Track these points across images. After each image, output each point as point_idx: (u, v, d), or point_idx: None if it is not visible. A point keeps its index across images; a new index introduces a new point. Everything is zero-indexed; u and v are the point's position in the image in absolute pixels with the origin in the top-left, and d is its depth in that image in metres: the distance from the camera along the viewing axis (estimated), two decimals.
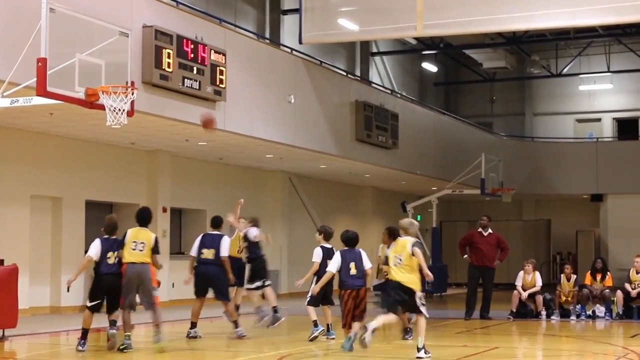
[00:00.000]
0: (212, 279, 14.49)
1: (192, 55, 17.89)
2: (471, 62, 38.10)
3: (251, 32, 23.95)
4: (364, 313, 12.53)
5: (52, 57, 12.06)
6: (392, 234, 14.01)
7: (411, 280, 12.14)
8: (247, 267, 15.71)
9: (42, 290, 20.08)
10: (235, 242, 15.87)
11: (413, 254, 12.10)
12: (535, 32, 32.68)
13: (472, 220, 20.42)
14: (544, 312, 19.40)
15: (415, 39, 32.41)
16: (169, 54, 17.14)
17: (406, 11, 20.78)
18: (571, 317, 19.35)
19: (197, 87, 18.01)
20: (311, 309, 14.22)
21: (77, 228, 20.66)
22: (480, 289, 19.68)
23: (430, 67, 38.93)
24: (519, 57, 38.65)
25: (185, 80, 17.69)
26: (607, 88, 39.97)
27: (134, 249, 12.69)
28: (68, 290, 13.69)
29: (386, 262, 13.12)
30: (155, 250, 12.92)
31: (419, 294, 12.15)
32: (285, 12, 27.18)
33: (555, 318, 19.32)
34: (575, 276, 20.12)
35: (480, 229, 19.71)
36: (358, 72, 31.97)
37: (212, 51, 18.53)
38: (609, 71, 38.45)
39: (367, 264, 12.69)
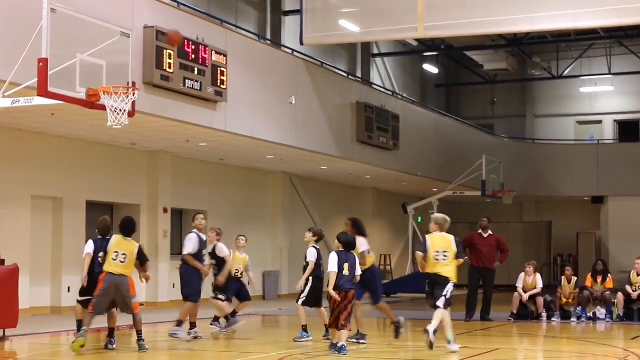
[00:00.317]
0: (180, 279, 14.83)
1: (193, 56, 17.89)
2: (472, 64, 38.11)
3: (252, 33, 23.96)
4: (350, 318, 12.44)
5: (53, 58, 12.05)
6: (356, 225, 13.95)
7: (451, 273, 13.19)
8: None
9: (43, 290, 20.07)
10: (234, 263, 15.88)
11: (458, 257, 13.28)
12: (536, 34, 32.68)
13: (473, 222, 20.45)
14: (544, 314, 19.38)
15: (416, 40, 32.43)
16: (170, 54, 17.15)
17: (407, 13, 20.79)
18: (572, 319, 19.34)
19: (198, 88, 18.01)
20: (303, 309, 14.22)
21: (77, 228, 20.65)
22: (481, 291, 19.67)
23: (431, 68, 38.93)
24: (520, 59, 38.67)
25: (186, 81, 17.70)
26: (608, 90, 39.98)
27: (114, 259, 12.52)
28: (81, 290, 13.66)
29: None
30: (141, 259, 12.84)
31: (451, 286, 13.13)
32: (287, 13, 27.18)
33: (555, 320, 19.31)
34: (576, 278, 20.10)
35: (480, 231, 19.70)
36: (359, 74, 31.97)
37: (213, 52, 18.54)
38: (610, 73, 38.47)
39: (359, 271, 12.63)
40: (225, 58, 18.93)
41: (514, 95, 41.78)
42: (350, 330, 12.56)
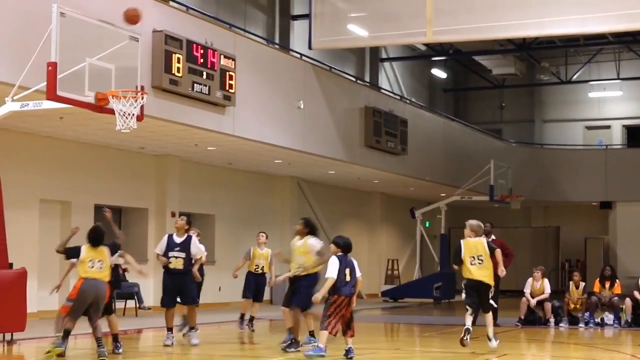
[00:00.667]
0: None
1: (201, 60, 17.92)
2: (480, 69, 38.10)
3: (261, 37, 23.98)
4: (336, 322, 12.32)
5: (62, 62, 12.08)
6: (309, 225, 13.63)
7: (489, 277, 13.62)
8: (196, 284, 14.85)
9: (51, 295, 20.05)
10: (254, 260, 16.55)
11: (493, 254, 13.60)
12: (545, 39, 32.66)
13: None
14: (552, 320, 19.34)
15: (425, 45, 32.44)
16: (178, 58, 17.17)
17: (416, 17, 20.81)
18: (580, 325, 19.30)
19: (207, 92, 18.03)
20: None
21: (85, 232, 20.60)
22: None
23: (439, 73, 38.93)
24: (528, 63, 38.65)
25: (195, 85, 17.72)
26: (617, 95, 39.93)
27: (91, 267, 12.28)
28: (50, 293, 13.55)
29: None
30: (115, 252, 12.60)
31: (492, 288, 13.71)
32: (295, 17, 27.21)
33: (563, 325, 19.27)
34: (583, 283, 20.05)
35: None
36: (367, 78, 31.98)
37: (222, 56, 18.56)
38: (618, 78, 38.43)
39: (359, 273, 12.60)
40: (233, 62, 18.96)
41: (522, 100, 41.75)
42: (333, 334, 12.16)
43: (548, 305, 19.40)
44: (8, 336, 14.38)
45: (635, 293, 19.14)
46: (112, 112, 12.80)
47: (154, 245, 21.48)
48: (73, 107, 12.73)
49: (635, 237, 35.99)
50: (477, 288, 13.60)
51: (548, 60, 38.64)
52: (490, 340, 13.79)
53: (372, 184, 30.82)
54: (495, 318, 17.57)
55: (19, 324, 14.21)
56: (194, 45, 17.76)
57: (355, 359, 12.33)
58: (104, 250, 12.46)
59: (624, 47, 36.78)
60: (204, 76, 17.97)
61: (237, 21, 23.62)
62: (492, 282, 13.76)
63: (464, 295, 13.93)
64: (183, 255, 13.85)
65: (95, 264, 12.33)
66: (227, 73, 18.69)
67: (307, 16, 23.31)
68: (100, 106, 12.76)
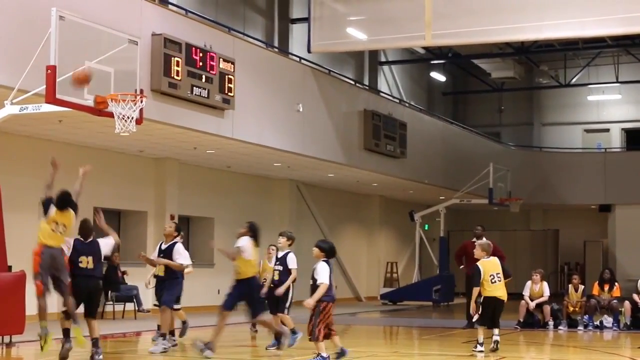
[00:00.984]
0: None
1: (200, 64, 17.94)
2: (479, 72, 38.12)
3: (260, 40, 24.00)
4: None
5: (62, 65, 12.10)
6: (253, 229, 13.26)
7: (505, 294, 14.46)
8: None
9: (50, 296, 20.04)
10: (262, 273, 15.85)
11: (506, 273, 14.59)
12: (543, 43, 32.66)
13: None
14: (551, 322, 19.35)
15: (424, 48, 32.47)
16: (177, 62, 17.20)
17: (414, 20, 20.82)
18: (579, 328, 19.30)
19: (206, 96, 18.05)
20: (288, 317, 14.11)
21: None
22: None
23: (438, 76, 38.95)
24: (527, 67, 38.68)
25: (194, 88, 17.74)
26: (616, 98, 39.97)
27: (54, 230, 11.94)
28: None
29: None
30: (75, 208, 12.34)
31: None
32: (294, 20, 27.24)
33: (562, 328, 19.28)
34: (583, 286, 20.07)
35: (474, 239, 19.61)
36: (366, 81, 32.00)
37: (221, 59, 18.58)
38: (617, 81, 38.44)
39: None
40: (232, 65, 18.98)
41: (521, 103, 41.77)
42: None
43: (547, 308, 19.41)
44: (7, 339, 14.38)
45: (634, 296, 19.15)
46: (111, 115, 12.81)
47: (152, 248, 21.52)
48: (72, 110, 12.75)
49: (634, 240, 36.01)
50: (494, 305, 14.23)
51: (547, 64, 38.68)
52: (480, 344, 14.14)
53: (371, 187, 30.83)
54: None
55: (18, 327, 14.22)
56: (193, 48, 17.79)
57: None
58: (70, 214, 12.21)
59: (622, 51, 36.80)
60: (203, 79, 17.99)
61: (236, 25, 23.64)
62: (505, 298, 14.49)
63: (476, 315, 14.36)
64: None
65: (59, 228, 12.03)
66: (226, 76, 18.71)
67: (306, 20, 23.34)
68: (100, 109, 12.78)
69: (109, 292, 20.80)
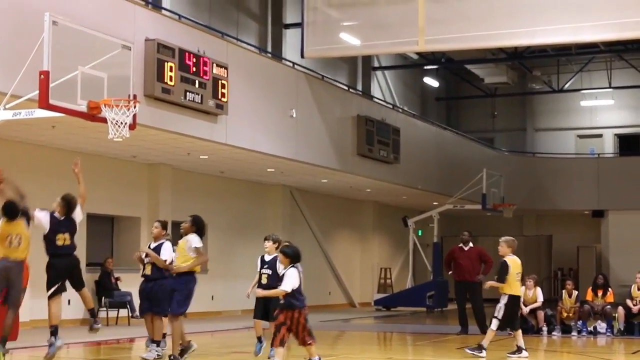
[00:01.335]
0: None
1: (194, 69, 17.92)
2: (473, 77, 38.18)
3: (253, 45, 23.99)
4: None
5: (55, 70, 12.07)
6: (196, 223, 12.66)
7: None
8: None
9: (43, 303, 19.94)
10: None
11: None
12: (536, 48, 32.74)
13: (474, 236, 20.53)
14: (545, 328, 19.35)
15: (417, 53, 32.49)
16: (171, 67, 17.17)
17: (408, 26, 20.84)
18: (572, 333, 19.31)
19: (199, 101, 18.03)
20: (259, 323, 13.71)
21: (78, 241, 20.50)
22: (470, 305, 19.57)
23: (431, 82, 38.99)
24: (520, 72, 38.74)
25: (187, 93, 17.72)
26: (609, 104, 40.05)
27: (10, 245, 11.83)
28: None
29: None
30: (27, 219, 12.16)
31: None
32: (287, 26, 27.24)
33: (556, 334, 19.28)
34: (576, 292, 20.08)
35: (461, 244, 19.64)
36: (360, 87, 32.02)
37: (214, 65, 18.57)
38: (610, 87, 38.52)
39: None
40: (226, 71, 18.96)
41: (514, 109, 41.84)
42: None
43: (541, 314, 19.41)
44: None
45: (628, 301, 19.17)
46: (104, 120, 12.78)
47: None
48: (65, 115, 12.71)
49: (628, 245, 36.04)
50: (516, 304, 14.45)
51: (540, 69, 38.73)
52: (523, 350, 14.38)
53: (364, 193, 30.83)
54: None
55: (12, 334, 14.14)
56: (187, 53, 17.77)
57: None
58: (21, 223, 12.11)
59: (615, 56, 36.89)
60: (197, 85, 17.97)
61: (229, 30, 23.64)
62: None
63: (500, 313, 14.15)
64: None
65: (14, 240, 11.94)
66: (220, 82, 18.69)
67: (299, 25, 23.34)
68: (93, 115, 12.74)
69: (103, 298, 20.75)
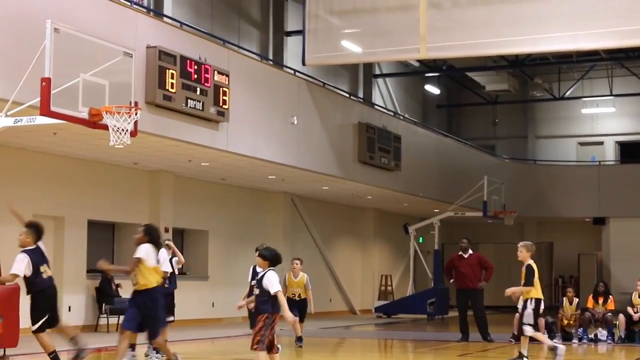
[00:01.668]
0: None
1: (195, 76, 17.94)
2: (474, 85, 38.19)
3: (255, 53, 24.02)
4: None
5: (56, 77, 12.07)
6: (149, 233, 11.88)
7: None
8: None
9: None
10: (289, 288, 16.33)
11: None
12: (538, 56, 32.74)
13: (475, 243, 20.53)
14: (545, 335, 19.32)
15: (418, 61, 32.51)
16: (172, 74, 17.19)
17: (409, 33, 20.86)
18: (573, 341, 19.29)
19: (201, 108, 18.05)
20: None
21: (79, 247, 20.67)
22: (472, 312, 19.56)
23: (433, 89, 39.01)
24: (521, 80, 38.74)
25: (189, 100, 17.74)
26: (610, 111, 40.05)
27: None
28: None
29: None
30: None
31: None
32: (289, 33, 27.28)
33: (557, 341, 19.24)
34: (577, 299, 20.07)
35: (460, 252, 19.63)
36: (361, 94, 32.05)
37: (216, 72, 18.59)
38: (611, 95, 38.52)
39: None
40: (227, 78, 18.98)
41: (515, 116, 41.85)
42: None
43: (541, 321, 19.36)
44: (1, 352, 14.32)
45: (629, 309, 19.16)
46: (105, 127, 12.78)
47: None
48: (67, 122, 12.72)
49: (629, 253, 36.02)
50: (539, 307, 14.34)
51: (541, 77, 38.73)
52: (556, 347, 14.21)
53: (365, 200, 30.84)
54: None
55: (12, 340, 14.15)
56: (188, 61, 17.79)
57: None
58: None
59: (616, 64, 36.89)
60: (198, 92, 17.99)
61: (231, 37, 23.67)
62: None
63: (531, 319, 14.14)
64: None
65: None
66: (221, 89, 18.71)
67: (300, 32, 23.36)
68: (94, 122, 12.75)
69: (103, 304, 20.76)
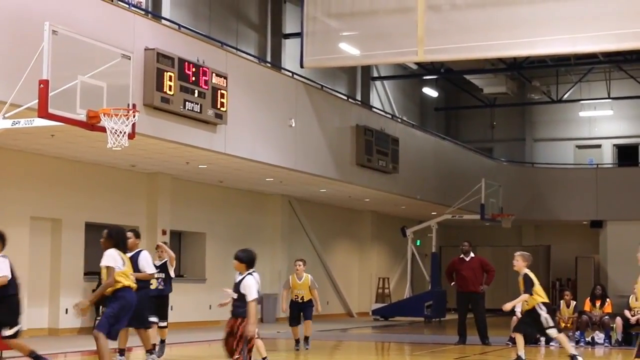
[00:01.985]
0: None
1: (193, 78, 17.93)
2: (472, 88, 38.19)
3: (253, 55, 24.02)
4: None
5: (54, 79, 12.07)
6: (112, 237, 11.39)
7: None
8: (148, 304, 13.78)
9: (41, 312, 20.03)
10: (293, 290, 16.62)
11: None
12: (535, 58, 32.77)
13: (472, 246, 20.55)
14: (543, 338, 19.32)
15: (416, 63, 32.50)
16: (170, 76, 17.19)
17: (407, 36, 20.86)
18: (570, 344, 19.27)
19: (198, 110, 18.04)
20: None
21: (76, 250, 20.65)
22: (472, 315, 19.55)
23: (430, 92, 39.02)
24: (519, 82, 38.76)
25: (187, 103, 17.73)
26: (608, 114, 40.06)
27: None
28: None
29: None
30: None
31: None
32: (287, 36, 27.28)
33: (554, 344, 19.24)
34: (574, 302, 20.08)
35: (462, 255, 19.60)
36: (359, 97, 32.05)
37: (214, 74, 18.58)
38: (609, 97, 38.54)
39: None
40: (225, 80, 18.98)
41: (513, 119, 41.86)
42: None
43: None
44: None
45: (626, 312, 19.16)
46: (103, 130, 12.78)
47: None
48: (64, 124, 12.72)
49: (626, 256, 35.70)
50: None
51: (539, 80, 38.74)
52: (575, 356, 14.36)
53: (363, 203, 30.83)
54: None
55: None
56: (186, 63, 17.79)
57: None
58: None
59: (614, 67, 36.92)
60: (196, 94, 17.99)
61: (229, 39, 23.67)
62: None
63: (550, 321, 14.38)
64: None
65: None
66: (219, 91, 18.71)
67: (298, 35, 23.37)
68: (92, 124, 12.74)
69: (100, 307, 20.70)
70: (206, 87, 18.27)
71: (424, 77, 36.82)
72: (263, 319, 26.19)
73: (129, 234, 13.06)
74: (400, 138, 27.83)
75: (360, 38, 22.33)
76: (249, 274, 10.07)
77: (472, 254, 19.52)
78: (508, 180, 35.14)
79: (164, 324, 14.65)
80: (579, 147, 40.98)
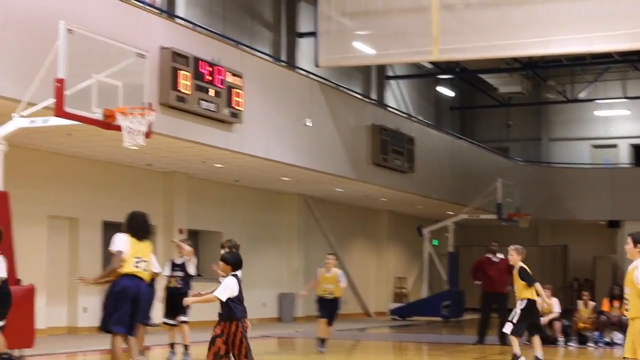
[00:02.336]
0: None
1: (208, 77, 17.94)
2: (487, 87, 38.09)
3: (267, 54, 24.03)
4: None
5: (70, 78, 12.12)
6: (128, 221, 11.65)
7: None
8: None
9: (59, 310, 20.09)
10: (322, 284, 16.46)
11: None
12: (551, 58, 32.66)
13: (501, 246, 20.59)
14: (561, 339, 19.25)
15: (431, 63, 32.46)
16: (185, 75, 17.21)
17: (422, 35, 20.84)
18: (589, 344, 19.19)
19: (214, 109, 18.06)
20: None
21: (93, 248, 20.70)
22: (496, 315, 19.51)
23: (446, 91, 38.94)
24: (534, 82, 38.63)
25: (202, 102, 17.75)
26: (624, 114, 39.88)
27: None
28: None
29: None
30: None
31: None
32: (301, 35, 27.26)
33: (572, 345, 19.18)
34: (593, 303, 19.97)
35: (489, 255, 19.53)
36: (374, 96, 32.01)
37: (229, 73, 18.59)
38: (625, 97, 38.38)
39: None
40: (240, 79, 18.99)
41: (528, 119, 41.73)
42: None
43: (557, 325, 19.31)
44: (17, 352, 14.33)
45: None
46: (119, 129, 12.82)
47: (162, 263, 21.51)
48: (81, 123, 12.77)
49: None
50: (534, 307, 14.62)
51: (554, 79, 38.63)
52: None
53: (379, 202, 30.80)
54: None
55: (28, 341, 14.19)
56: (201, 62, 17.80)
57: None
58: None
59: (630, 66, 36.77)
60: (211, 93, 18.00)
61: (243, 38, 23.68)
62: None
63: (516, 318, 14.36)
64: None
65: None
66: (234, 90, 18.72)
67: (313, 34, 23.37)
68: (108, 123, 12.79)
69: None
70: (222, 86, 18.28)
71: (439, 77, 36.76)
72: (281, 318, 26.19)
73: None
74: (415, 137, 27.79)
75: (374, 37, 22.31)
76: (231, 275, 10.01)
77: (501, 255, 19.38)
78: (524, 180, 35.03)
79: (184, 318, 14.60)
80: (595, 146, 40.82)
